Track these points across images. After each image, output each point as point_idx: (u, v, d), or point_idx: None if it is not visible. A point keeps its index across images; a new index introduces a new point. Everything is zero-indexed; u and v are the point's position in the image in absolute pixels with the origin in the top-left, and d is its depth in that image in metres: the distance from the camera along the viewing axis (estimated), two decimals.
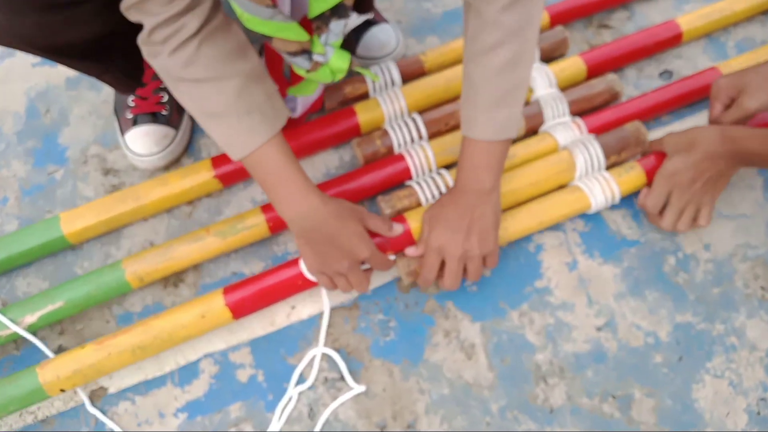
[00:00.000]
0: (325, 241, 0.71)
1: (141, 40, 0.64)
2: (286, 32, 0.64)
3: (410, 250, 0.78)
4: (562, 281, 0.83)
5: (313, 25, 0.66)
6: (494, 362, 0.78)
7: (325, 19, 0.65)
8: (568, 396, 0.76)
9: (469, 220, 0.74)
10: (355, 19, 0.70)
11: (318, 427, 0.74)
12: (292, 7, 0.65)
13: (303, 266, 0.77)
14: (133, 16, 0.62)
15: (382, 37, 0.97)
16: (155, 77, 0.91)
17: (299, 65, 0.71)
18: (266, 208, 0.83)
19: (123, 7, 0.62)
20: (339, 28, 0.67)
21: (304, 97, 0.83)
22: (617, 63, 0.95)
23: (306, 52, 0.68)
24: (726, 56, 1.00)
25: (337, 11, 0.65)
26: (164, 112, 0.90)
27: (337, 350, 0.79)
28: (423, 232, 0.78)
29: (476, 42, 0.68)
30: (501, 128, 0.71)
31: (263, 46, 0.81)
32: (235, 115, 0.65)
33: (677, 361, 0.78)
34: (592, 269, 0.83)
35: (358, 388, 0.76)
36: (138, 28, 0.65)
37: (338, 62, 0.69)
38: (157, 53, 0.63)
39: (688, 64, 0.99)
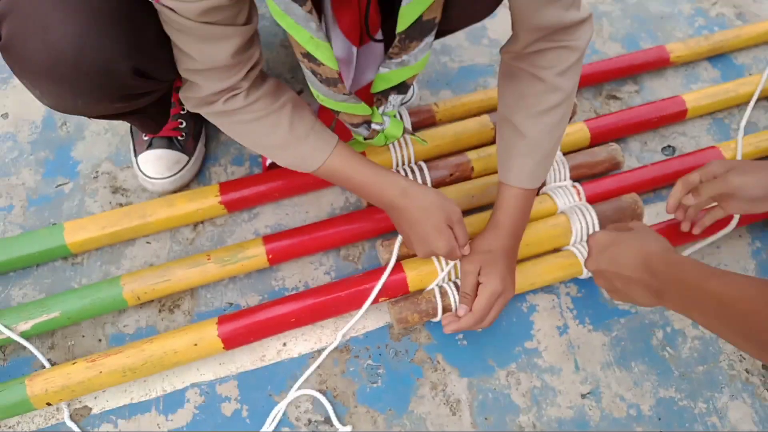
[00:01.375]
0: (409, 226, 0.75)
1: (185, 95, 0.70)
2: (354, 109, 0.70)
3: (460, 311, 0.76)
4: (551, 344, 0.84)
5: (374, 98, 0.72)
6: (478, 420, 0.79)
7: (385, 93, 0.71)
8: None
9: (513, 265, 0.78)
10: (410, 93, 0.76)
11: None
12: (352, 81, 0.73)
13: None
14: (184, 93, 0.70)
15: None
16: (179, 108, 0.94)
17: (359, 133, 0.76)
18: (267, 239, 0.85)
19: (182, 93, 0.70)
20: (397, 101, 0.73)
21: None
22: (621, 133, 0.98)
23: (367, 122, 0.73)
24: (729, 137, 1.03)
25: (398, 87, 0.70)
26: (180, 138, 0.92)
27: (324, 392, 0.80)
28: (468, 277, 0.77)
29: (534, 103, 0.72)
30: (542, 177, 0.77)
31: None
32: (294, 143, 0.71)
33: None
34: (581, 335, 0.85)
35: (344, 429, 0.76)
36: (166, 86, 0.72)
37: (393, 130, 0.76)
38: (211, 102, 0.68)
39: (691, 141, 1.02)
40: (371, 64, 0.75)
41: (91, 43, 0.60)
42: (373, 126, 0.75)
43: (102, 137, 1.01)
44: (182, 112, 0.93)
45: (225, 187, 0.89)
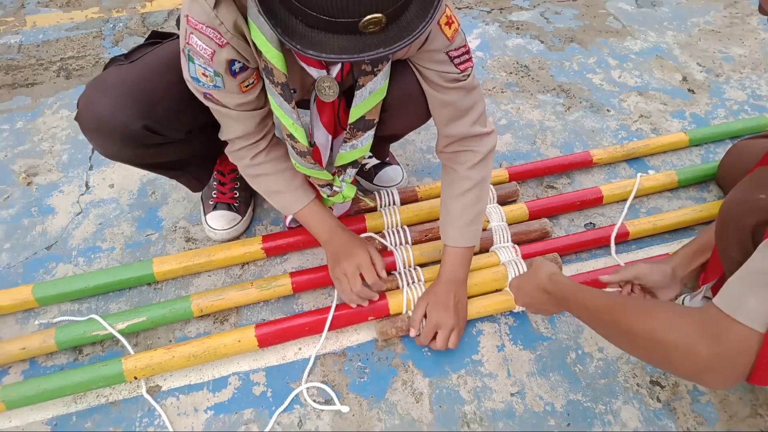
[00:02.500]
0: (340, 258, 1.10)
1: (229, 152, 1.08)
2: (319, 174, 1.07)
3: (412, 332, 1.11)
4: (491, 358, 1.14)
5: (336, 170, 1.09)
6: (434, 407, 1.08)
7: (344, 167, 1.08)
8: (480, 420, 1.05)
9: (454, 302, 1.09)
10: (371, 161, 1.13)
11: (297, 426, 1.04)
12: (328, 160, 1.10)
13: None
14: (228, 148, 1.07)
15: (392, 174, 1.38)
16: (233, 179, 1.33)
17: (323, 191, 1.13)
18: (292, 274, 1.19)
19: (227, 150, 1.07)
20: (352, 173, 1.10)
21: (338, 206, 1.23)
22: (554, 212, 1.33)
23: (329, 184, 1.10)
24: (637, 217, 1.37)
25: (353, 163, 1.07)
26: (235, 204, 1.31)
27: (325, 383, 1.10)
28: (418, 310, 1.11)
29: (453, 188, 1.08)
30: (470, 240, 1.10)
31: None
32: (287, 191, 1.09)
33: (566, 426, 1.06)
34: (514, 352, 1.15)
35: (343, 408, 1.06)
36: (205, 154, 1.12)
37: (348, 192, 1.13)
38: (242, 158, 1.06)
39: (607, 220, 1.37)
40: (338, 147, 1.11)
41: (116, 112, 0.96)
42: (334, 188, 1.11)
43: (180, 203, 1.40)
44: (236, 186, 1.33)
45: (266, 239, 1.25)
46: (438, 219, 1.27)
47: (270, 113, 1.04)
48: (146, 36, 1.12)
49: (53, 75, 1.75)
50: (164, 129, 1.03)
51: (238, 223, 1.30)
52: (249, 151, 1.05)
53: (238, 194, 1.32)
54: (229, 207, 1.30)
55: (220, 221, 1.28)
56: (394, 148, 1.49)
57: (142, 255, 1.30)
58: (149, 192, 1.43)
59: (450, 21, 0.95)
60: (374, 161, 1.37)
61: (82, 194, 1.43)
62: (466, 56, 1.00)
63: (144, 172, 1.46)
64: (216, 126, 1.05)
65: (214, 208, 1.30)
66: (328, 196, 1.13)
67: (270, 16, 0.71)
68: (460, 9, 1.99)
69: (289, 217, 1.28)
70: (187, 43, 0.87)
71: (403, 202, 1.33)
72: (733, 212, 0.85)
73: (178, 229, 1.35)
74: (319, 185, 1.11)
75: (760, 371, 0.62)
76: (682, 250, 1.08)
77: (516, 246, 1.23)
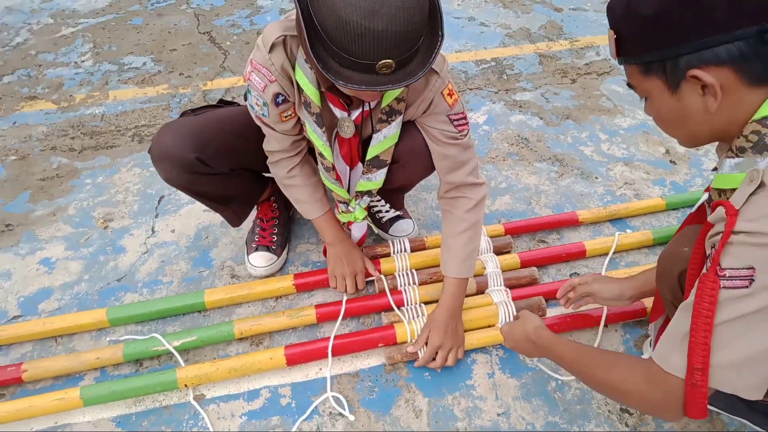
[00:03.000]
0: (341, 261, 1.36)
1: (269, 162, 1.35)
2: (339, 191, 1.34)
3: (410, 348, 1.33)
4: (482, 383, 1.32)
5: (355, 194, 1.36)
6: (432, 423, 1.26)
7: (361, 194, 1.35)
8: None
9: (453, 326, 1.30)
10: (382, 205, 1.41)
11: (315, 428, 1.24)
12: (349, 184, 1.36)
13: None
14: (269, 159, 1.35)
15: (405, 226, 1.62)
16: (272, 226, 1.59)
17: (341, 207, 1.39)
18: (318, 306, 1.42)
19: (268, 161, 1.35)
20: (366, 200, 1.37)
21: (355, 230, 1.48)
22: (541, 262, 1.54)
23: (346, 203, 1.35)
24: (617, 269, 1.56)
25: (368, 193, 1.34)
26: (273, 247, 1.56)
27: (341, 396, 1.31)
28: (422, 335, 1.32)
29: (452, 229, 1.32)
30: (466, 272, 1.32)
31: None
32: (310, 202, 1.36)
33: None
34: (502, 380, 1.33)
35: (351, 416, 1.26)
36: (245, 197, 1.43)
37: (359, 214, 1.40)
38: (280, 169, 1.34)
39: (590, 270, 1.56)
40: (357, 177, 1.37)
41: (177, 145, 1.26)
42: (349, 207, 1.37)
43: (228, 247, 1.67)
44: (275, 231, 1.59)
45: (296, 276, 1.50)
46: (431, 273, 1.50)
47: (303, 138, 1.33)
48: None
49: (129, 140, 2.09)
50: (212, 162, 1.31)
51: (274, 262, 1.55)
52: (286, 163, 1.34)
53: (276, 239, 1.58)
54: (268, 249, 1.56)
55: (260, 260, 1.54)
56: (408, 204, 1.74)
57: (195, 288, 1.56)
58: (203, 237, 1.71)
59: (451, 93, 1.24)
60: (390, 214, 1.62)
61: (149, 237, 1.71)
62: (464, 120, 1.27)
63: (200, 220, 1.74)
64: (254, 174, 1.36)
65: (256, 249, 1.56)
66: (343, 212, 1.40)
67: (317, 58, 0.97)
68: (471, 89, 2.29)
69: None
70: (248, 78, 1.19)
71: (413, 250, 1.56)
72: (664, 263, 1.05)
73: (225, 268, 1.61)
74: (339, 201, 1.38)
75: (690, 408, 0.80)
76: (631, 279, 1.26)
77: (508, 289, 1.44)
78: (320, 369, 1.37)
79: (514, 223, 1.63)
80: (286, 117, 1.24)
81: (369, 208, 1.59)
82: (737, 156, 0.78)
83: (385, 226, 1.63)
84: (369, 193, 1.37)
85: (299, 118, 1.27)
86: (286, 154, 1.33)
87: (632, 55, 0.82)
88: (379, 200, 1.62)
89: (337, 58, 0.96)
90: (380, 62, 0.93)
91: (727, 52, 0.74)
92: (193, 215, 1.77)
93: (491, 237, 1.58)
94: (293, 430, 1.25)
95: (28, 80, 2.40)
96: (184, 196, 1.82)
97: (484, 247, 1.53)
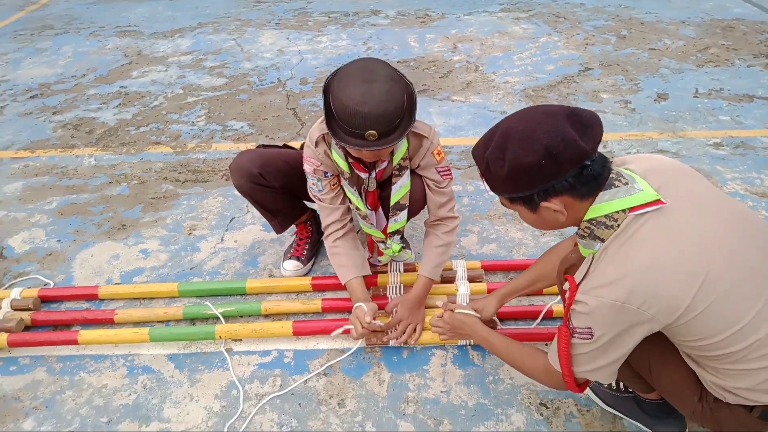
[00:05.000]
0: (358, 315, 1.74)
1: (324, 237, 1.87)
2: (375, 233, 1.85)
3: (373, 321, 1.77)
4: (435, 370, 1.72)
5: (388, 235, 1.85)
6: (390, 389, 1.66)
7: (392, 234, 1.84)
8: (415, 412, 1.60)
9: (416, 308, 1.76)
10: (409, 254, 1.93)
11: (303, 383, 1.68)
12: (377, 223, 1.86)
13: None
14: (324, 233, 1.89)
15: (406, 256, 2.10)
16: (305, 245, 2.13)
17: (380, 246, 1.87)
18: (324, 299, 1.91)
19: (323, 237, 1.89)
20: (397, 238, 1.86)
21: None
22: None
23: (383, 242, 1.85)
24: None
25: (397, 231, 1.84)
26: (302, 258, 2.10)
27: (329, 366, 1.75)
28: (395, 317, 1.77)
29: (432, 243, 1.79)
30: (435, 276, 1.79)
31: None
32: (349, 266, 1.81)
33: (472, 415, 1.58)
34: (451, 369, 1.71)
35: (326, 372, 1.70)
36: (288, 214, 1.99)
37: (395, 248, 1.86)
38: (329, 240, 1.85)
39: (544, 301, 1.93)
40: (382, 220, 1.87)
41: (246, 163, 1.84)
42: (387, 244, 1.85)
43: (271, 256, 2.22)
44: (306, 248, 2.12)
45: (314, 278, 2.00)
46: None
47: (348, 212, 1.85)
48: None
49: (219, 177, 2.78)
50: (269, 178, 1.87)
51: (301, 268, 2.08)
52: (334, 236, 1.84)
53: (305, 252, 2.11)
54: (298, 259, 2.09)
55: (290, 266, 2.07)
56: (412, 240, 2.22)
57: (243, 278, 2.11)
58: (256, 247, 2.28)
59: (439, 152, 1.75)
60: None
61: (218, 243, 2.31)
62: (448, 172, 1.79)
63: (256, 237, 2.32)
64: (294, 200, 1.91)
65: (289, 258, 2.10)
66: (385, 249, 1.88)
67: (331, 130, 1.53)
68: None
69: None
70: (305, 167, 1.76)
71: (406, 271, 2.03)
72: (559, 264, 1.46)
73: (266, 269, 2.15)
74: (377, 241, 1.88)
75: (570, 389, 1.27)
76: (498, 293, 1.68)
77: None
78: (317, 343, 1.83)
79: (490, 262, 2.05)
80: (333, 186, 1.80)
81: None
82: (582, 239, 1.19)
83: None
84: (398, 231, 1.87)
85: (341, 188, 1.82)
86: (336, 227, 1.83)
87: (498, 193, 1.18)
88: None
89: (342, 130, 1.52)
90: (367, 132, 1.48)
91: (563, 187, 1.08)
92: (251, 233, 2.36)
93: (468, 269, 2.01)
94: (290, 388, 1.71)
95: (156, 131, 3.23)
96: (248, 219, 2.42)
97: (460, 274, 1.97)
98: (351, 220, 1.88)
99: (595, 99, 3.31)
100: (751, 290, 1.09)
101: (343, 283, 1.82)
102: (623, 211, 1.10)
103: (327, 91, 1.53)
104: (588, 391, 1.62)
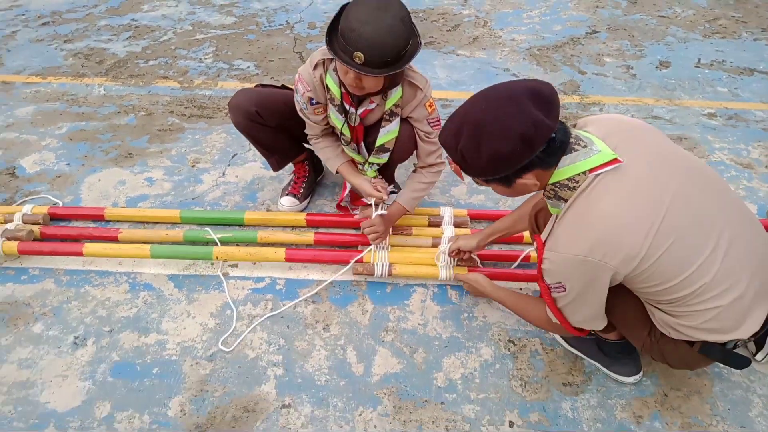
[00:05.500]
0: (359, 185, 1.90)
1: (308, 139, 1.98)
2: (357, 157, 1.93)
3: (365, 223, 1.90)
4: (415, 305, 1.83)
5: (368, 163, 1.94)
6: (371, 319, 1.78)
7: (371, 163, 1.92)
8: (393, 340, 1.73)
9: (384, 226, 1.88)
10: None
11: (293, 308, 1.81)
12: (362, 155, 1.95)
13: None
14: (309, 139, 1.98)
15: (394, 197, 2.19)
16: (302, 183, 2.22)
17: (362, 168, 1.95)
18: (317, 233, 2.02)
19: (308, 138, 1.98)
20: (375, 167, 1.93)
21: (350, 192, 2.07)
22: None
23: (361, 164, 1.94)
24: None
25: (377, 164, 1.92)
26: (299, 195, 2.19)
27: (318, 294, 1.87)
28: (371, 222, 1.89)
29: (415, 179, 1.89)
30: (410, 206, 1.90)
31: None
32: (333, 158, 1.94)
33: (445, 346, 1.71)
34: (430, 305, 1.83)
35: (319, 304, 1.82)
36: (284, 152, 2.08)
37: (370, 173, 1.94)
38: (313, 142, 1.96)
39: (524, 248, 2.04)
40: (364, 153, 1.94)
41: (244, 101, 1.91)
42: (364, 167, 1.93)
43: (270, 192, 2.31)
44: (303, 185, 2.21)
45: (308, 215, 2.10)
46: (407, 227, 2.06)
47: (328, 126, 1.93)
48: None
49: (223, 114, 2.83)
50: (265, 116, 1.94)
51: (297, 205, 2.17)
52: (315, 137, 1.95)
53: (302, 191, 2.20)
54: (295, 196, 2.18)
55: (287, 202, 2.16)
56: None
57: (242, 209, 2.21)
58: (256, 183, 2.37)
59: (431, 104, 1.81)
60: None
61: (219, 177, 2.40)
62: (438, 123, 1.85)
63: (256, 173, 2.40)
64: (294, 139, 1.98)
65: (286, 194, 2.19)
66: (361, 171, 1.97)
67: (328, 41, 1.60)
68: None
69: (341, 199, 2.12)
70: (296, 85, 1.82)
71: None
72: (531, 209, 1.56)
73: (264, 204, 2.25)
74: (358, 163, 1.96)
75: (569, 332, 1.41)
76: (483, 232, 1.80)
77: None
78: (308, 273, 1.95)
79: (476, 211, 2.15)
80: (317, 111, 1.86)
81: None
82: (549, 200, 1.27)
83: None
84: (378, 165, 1.96)
85: (326, 115, 1.89)
86: (316, 132, 1.94)
87: (474, 177, 1.26)
88: (381, 178, 2.20)
89: (338, 42, 1.58)
90: (355, 52, 1.53)
91: (534, 163, 1.16)
92: (252, 170, 2.44)
93: (455, 216, 2.10)
94: (280, 310, 1.84)
95: (164, 65, 3.26)
96: (249, 156, 2.50)
97: (446, 220, 2.07)
98: (328, 131, 1.98)
99: (598, 62, 3.32)
100: (701, 237, 1.18)
101: (334, 171, 1.97)
102: (583, 172, 1.18)
103: (344, 6, 1.58)
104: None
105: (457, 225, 2.07)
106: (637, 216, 1.15)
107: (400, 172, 2.34)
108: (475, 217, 2.15)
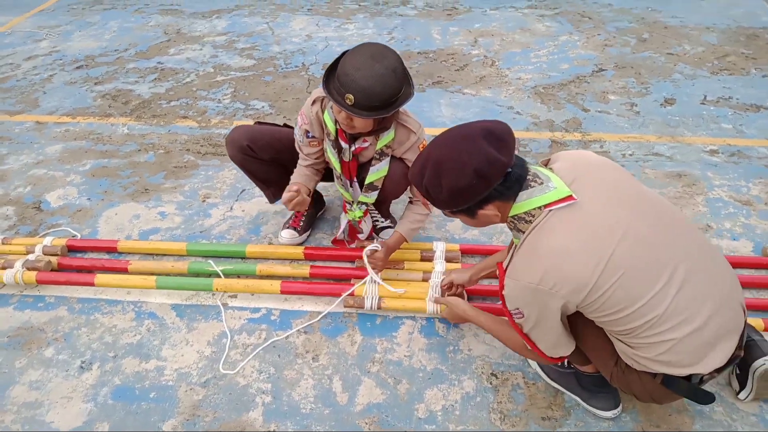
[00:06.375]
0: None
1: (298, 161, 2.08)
2: (346, 195, 2.04)
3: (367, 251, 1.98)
4: (402, 337, 1.89)
5: (358, 202, 2.04)
6: (359, 350, 1.85)
7: (360, 203, 2.03)
8: (378, 371, 1.79)
9: (384, 257, 1.97)
10: (377, 216, 2.11)
11: (285, 338, 1.89)
12: (353, 195, 2.05)
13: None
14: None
15: (388, 234, 2.27)
16: (302, 217, 2.33)
17: (347, 208, 2.06)
18: (312, 266, 2.11)
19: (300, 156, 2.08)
20: (363, 207, 2.04)
21: (364, 226, 2.15)
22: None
23: (350, 203, 2.04)
24: None
25: (365, 204, 2.02)
26: (299, 228, 2.29)
27: (311, 326, 1.95)
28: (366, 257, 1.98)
29: (410, 213, 1.98)
30: (409, 236, 1.98)
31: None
32: (299, 177, 2.02)
33: (428, 378, 1.76)
34: (417, 338, 1.89)
35: (311, 335, 1.90)
36: (279, 185, 2.13)
37: (357, 214, 2.05)
38: (299, 164, 2.05)
39: None
40: (357, 192, 2.04)
41: (238, 136, 2.04)
42: (352, 207, 2.03)
43: (273, 226, 2.42)
44: (302, 219, 2.32)
45: (306, 248, 2.20)
46: (399, 261, 2.13)
47: (320, 162, 2.04)
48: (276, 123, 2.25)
49: None
50: (258, 150, 2.07)
51: (296, 238, 2.27)
52: (302, 165, 2.05)
53: (302, 224, 2.31)
54: (295, 229, 2.29)
55: (287, 235, 2.27)
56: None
57: (244, 243, 2.32)
58: (260, 218, 2.49)
59: (424, 146, 1.89)
60: (382, 224, 2.29)
61: (227, 212, 2.53)
62: None
63: (261, 208, 2.53)
64: (287, 174, 2.10)
65: (287, 228, 2.30)
66: (350, 211, 2.08)
67: (324, 83, 1.72)
68: None
69: (339, 233, 2.21)
70: (297, 119, 1.96)
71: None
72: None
73: (267, 237, 2.36)
74: (346, 202, 2.07)
75: (545, 359, 1.44)
76: (475, 266, 1.86)
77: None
78: (302, 305, 2.03)
79: (468, 245, 2.21)
80: (312, 144, 1.99)
81: (371, 218, 2.28)
82: (511, 230, 1.36)
83: (379, 231, 2.30)
84: (366, 204, 2.06)
85: (321, 149, 2.01)
86: (307, 165, 2.06)
87: (441, 209, 1.38)
88: (376, 212, 2.30)
89: (332, 84, 1.71)
90: (346, 94, 1.65)
91: (493, 195, 1.26)
92: (258, 205, 2.56)
93: (447, 251, 2.17)
94: (272, 339, 1.93)
95: (185, 106, 3.47)
96: (256, 192, 2.62)
97: (438, 254, 2.13)
98: (317, 171, 2.09)
99: (602, 100, 3.38)
100: (652, 271, 1.24)
101: (338, 234, 2.14)
102: (539, 207, 1.27)
103: (345, 53, 1.72)
104: (534, 365, 1.77)
105: (448, 260, 2.14)
106: (585, 249, 1.22)
107: (398, 206, 2.44)
108: (468, 252, 2.21)
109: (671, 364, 1.26)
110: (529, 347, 1.44)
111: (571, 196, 1.25)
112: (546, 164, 1.41)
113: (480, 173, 1.22)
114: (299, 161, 2.07)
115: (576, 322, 1.43)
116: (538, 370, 1.76)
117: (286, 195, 1.90)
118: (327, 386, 1.75)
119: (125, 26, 4.71)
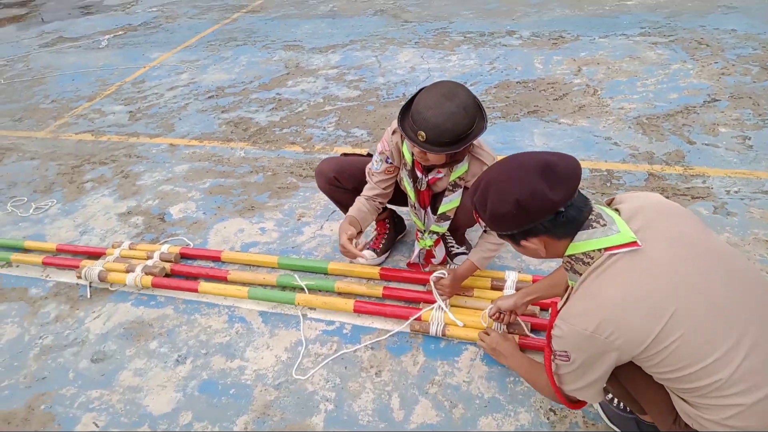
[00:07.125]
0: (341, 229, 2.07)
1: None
2: (419, 224, 2.13)
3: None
4: (464, 362, 1.90)
5: (430, 231, 2.11)
6: (421, 370, 1.89)
7: (432, 232, 2.11)
8: (436, 393, 1.81)
9: (454, 284, 2.02)
10: (453, 242, 2.17)
11: (353, 352, 1.98)
12: (426, 223, 2.13)
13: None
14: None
15: (461, 260, 2.30)
16: (382, 239, 2.43)
17: (419, 236, 2.14)
18: (385, 287, 2.20)
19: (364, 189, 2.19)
20: (434, 236, 2.11)
21: (437, 252, 2.22)
22: (545, 306, 2.04)
23: (422, 232, 2.12)
24: None
25: (437, 233, 2.10)
26: (379, 249, 2.40)
27: (378, 342, 2.03)
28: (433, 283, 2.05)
29: (485, 242, 1.99)
30: (481, 264, 2.00)
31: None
32: (352, 208, 2.11)
33: (485, 406, 1.75)
34: (478, 365, 1.89)
35: (372, 347, 1.98)
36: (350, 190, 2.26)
37: (428, 242, 2.13)
38: (364, 194, 2.14)
39: None
40: (430, 219, 2.10)
41: (326, 168, 2.18)
42: (424, 236, 2.10)
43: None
44: (383, 242, 2.42)
45: (383, 269, 2.30)
46: (469, 288, 2.15)
47: (386, 191, 2.13)
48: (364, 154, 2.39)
49: None
50: (343, 180, 2.21)
51: (376, 258, 2.38)
52: (363, 196, 2.14)
53: (382, 246, 2.42)
54: (375, 250, 2.40)
55: (367, 254, 2.39)
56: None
57: (326, 262, 2.48)
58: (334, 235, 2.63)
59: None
60: (456, 250, 2.32)
61: (318, 230, 2.71)
62: None
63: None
64: None
65: (368, 248, 2.42)
66: (421, 239, 2.16)
67: (400, 120, 1.83)
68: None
69: (413, 256, 2.30)
70: (378, 145, 2.08)
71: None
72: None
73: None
74: (418, 230, 2.16)
75: (561, 401, 1.42)
76: (520, 292, 1.81)
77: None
78: (372, 322, 2.12)
79: (541, 277, 2.16)
80: (388, 171, 2.10)
81: (446, 244, 2.33)
82: (567, 271, 1.33)
83: (453, 256, 2.34)
84: (438, 233, 2.13)
85: (393, 176, 2.11)
86: (368, 194, 2.14)
87: (488, 228, 1.42)
88: (450, 238, 2.34)
89: (407, 121, 1.81)
90: (419, 131, 1.74)
91: (539, 230, 1.23)
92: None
93: (520, 281, 2.15)
94: (342, 351, 2.04)
95: (294, 133, 3.77)
96: None
97: (509, 284, 2.12)
98: (383, 204, 2.17)
99: (711, 132, 3.12)
100: (719, 331, 1.14)
101: (413, 258, 2.23)
102: (599, 250, 1.21)
103: (420, 90, 1.83)
104: (597, 406, 1.69)
105: (517, 289, 2.12)
106: (649, 299, 1.15)
107: (474, 234, 2.46)
108: None
109: (739, 429, 1.16)
110: (550, 384, 1.39)
111: (635, 242, 1.19)
112: (610, 203, 1.37)
113: (521, 204, 1.21)
114: (364, 190, 2.16)
115: (635, 374, 1.35)
116: (600, 411, 1.68)
117: (344, 241, 1.99)
118: (386, 402, 1.81)
119: (253, 60, 5.22)
